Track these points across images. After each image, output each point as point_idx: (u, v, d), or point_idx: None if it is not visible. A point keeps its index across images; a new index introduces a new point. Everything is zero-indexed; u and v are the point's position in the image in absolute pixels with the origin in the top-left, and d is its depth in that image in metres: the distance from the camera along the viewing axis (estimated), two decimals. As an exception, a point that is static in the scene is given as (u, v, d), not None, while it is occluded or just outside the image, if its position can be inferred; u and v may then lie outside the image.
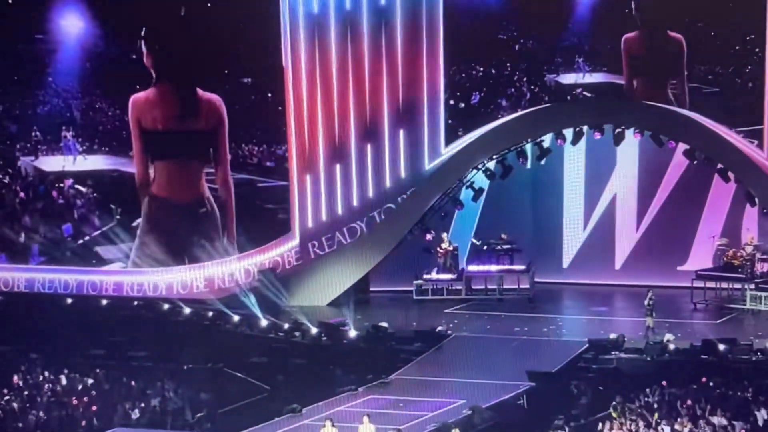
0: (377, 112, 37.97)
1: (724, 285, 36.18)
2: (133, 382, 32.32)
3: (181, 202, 39.82)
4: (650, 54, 40.72)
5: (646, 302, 33.39)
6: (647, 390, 28.93)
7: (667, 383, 29.26)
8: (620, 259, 38.91)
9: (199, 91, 39.86)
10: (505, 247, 38.27)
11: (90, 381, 32.41)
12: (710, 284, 36.16)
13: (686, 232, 37.89)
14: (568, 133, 36.82)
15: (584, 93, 44.92)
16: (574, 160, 38.81)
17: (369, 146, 38.23)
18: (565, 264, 39.35)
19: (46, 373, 32.92)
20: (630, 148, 37.82)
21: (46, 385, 32.18)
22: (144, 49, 39.69)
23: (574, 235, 39.26)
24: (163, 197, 39.95)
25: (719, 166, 35.84)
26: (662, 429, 27.11)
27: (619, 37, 41.44)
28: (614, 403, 27.62)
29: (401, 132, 38.15)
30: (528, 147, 37.21)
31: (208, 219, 39.92)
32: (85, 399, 31.16)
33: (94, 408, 30.71)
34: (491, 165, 37.24)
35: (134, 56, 40.74)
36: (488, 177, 37.37)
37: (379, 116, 37.99)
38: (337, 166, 38.34)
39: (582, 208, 39.10)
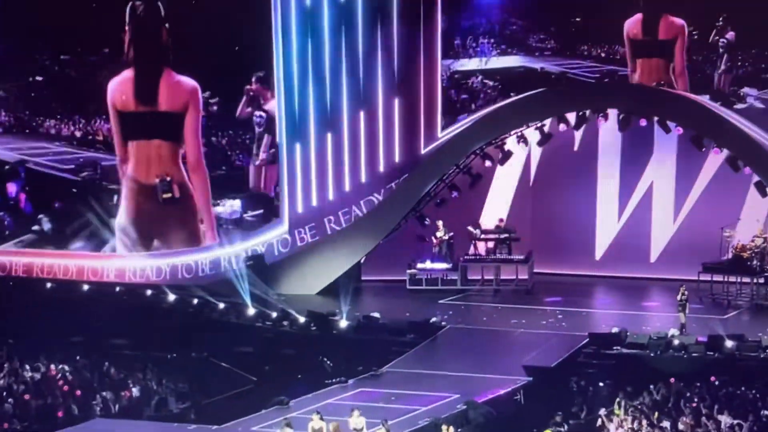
0: (371, 83, 37.70)
1: (732, 279, 35.76)
2: (114, 371, 32.05)
3: (149, 183, 39.64)
4: (651, 37, 40.65)
5: (678, 297, 32.75)
6: (651, 387, 28.72)
7: (670, 380, 29.08)
8: (656, 252, 38.37)
9: (171, 74, 39.45)
10: (502, 236, 38.06)
11: (69, 369, 32.15)
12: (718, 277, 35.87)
13: (726, 223, 36.46)
14: (571, 117, 36.76)
15: (485, 81, 44.20)
16: (609, 146, 38.24)
17: (362, 115, 37.90)
18: (598, 256, 38.88)
19: (24, 361, 32.67)
20: (668, 135, 36.80)
21: (24, 373, 31.90)
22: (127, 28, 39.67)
23: (607, 226, 38.67)
24: (134, 178, 39.79)
25: (729, 154, 35.69)
26: (665, 427, 26.96)
27: (539, 16, 40.85)
28: (618, 399, 27.46)
29: (395, 105, 37.83)
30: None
31: (176, 203, 39.62)
32: (65, 388, 30.90)
33: (74, 397, 30.43)
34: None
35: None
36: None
37: (373, 88, 37.72)
38: (329, 136, 38.07)
39: (617, 198, 38.52)
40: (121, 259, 39.31)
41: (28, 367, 32.29)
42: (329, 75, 37.80)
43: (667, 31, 40.81)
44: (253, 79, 41.75)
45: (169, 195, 39.22)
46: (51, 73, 48.27)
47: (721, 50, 41.97)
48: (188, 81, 39.59)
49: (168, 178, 39.23)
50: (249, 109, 42.39)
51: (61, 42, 45.11)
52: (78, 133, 47.98)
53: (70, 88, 48.47)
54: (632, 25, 41.16)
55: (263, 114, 42.26)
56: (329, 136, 38.09)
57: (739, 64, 43.05)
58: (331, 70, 37.79)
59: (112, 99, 39.67)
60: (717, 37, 41.86)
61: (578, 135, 37.96)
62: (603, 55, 45.97)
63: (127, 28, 39.52)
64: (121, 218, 39.91)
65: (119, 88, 39.57)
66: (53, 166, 44.36)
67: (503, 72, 43.89)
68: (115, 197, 40.82)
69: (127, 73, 39.56)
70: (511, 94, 39.77)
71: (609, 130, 37.37)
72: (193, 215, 39.77)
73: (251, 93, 42.36)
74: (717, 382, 29.20)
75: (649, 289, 37.57)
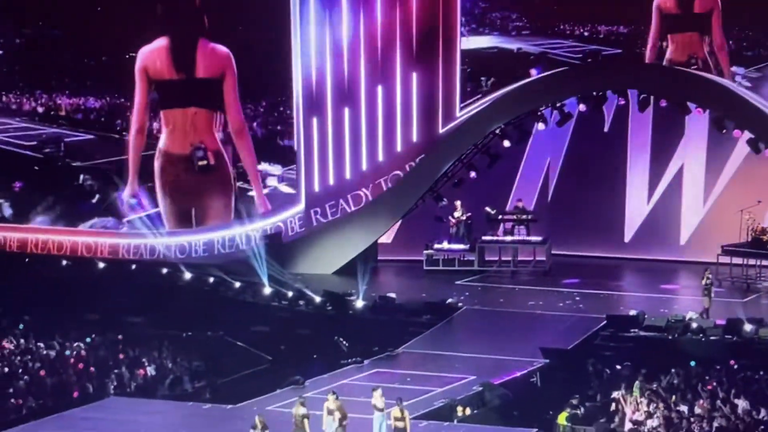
0: (389, 53, 37.61)
1: (752, 261, 35.60)
2: (129, 349, 32.19)
3: (183, 153, 39.74)
4: (686, 11, 40.24)
5: (703, 282, 32.68)
6: (672, 370, 28.62)
7: (688, 363, 29.06)
8: (686, 234, 38.19)
9: (205, 43, 39.63)
10: (521, 217, 38.07)
11: (84, 347, 32.28)
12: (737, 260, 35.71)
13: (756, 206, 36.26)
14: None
15: None
16: (640, 127, 38.03)
17: (380, 89, 37.91)
18: (627, 238, 38.77)
19: (39, 338, 32.81)
20: (699, 116, 36.64)
21: (39, 351, 32.06)
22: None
23: (637, 208, 38.52)
24: (167, 149, 39.86)
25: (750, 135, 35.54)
26: (681, 411, 26.97)
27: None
28: (638, 381, 27.47)
29: (413, 82, 37.78)
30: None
31: (212, 172, 39.71)
32: (80, 365, 31.03)
33: (89, 375, 30.55)
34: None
35: None
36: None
37: (392, 57, 37.63)
38: (346, 110, 38.01)
39: (647, 179, 38.37)
40: (115, 237, 39.34)
41: (43, 344, 32.43)
42: (347, 48, 37.72)
43: (703, 3, 40.30)
44: None
45: (205, 162, 39.24)
46: (12, 47, 47.83)
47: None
48: (222, 48, 39.69)
49: (203, 146, 39.19)
50: None
51: (24, 15, 44.63)
52: (40, 109, 47.39)
53: (33, 62, 48.03)
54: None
55: None
56: (346, 110, 38.08)
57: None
58: (349, 43, 37.71)
59: (143, 66, 39.63)
60: None
61: (608, 116, 37.80)
62: (586, 34, 44.98)
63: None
64: (158, 192, 39.99)
65: (153, 56, 39.58)
66: (14, 143, 44.05)
67: (473, 54, 42.53)
68: (81, 176, 40.53)
69: (161, 42, 39.57)
70: (481, 78, 39.44)
71: (639, 111, 37.07)
72: (229, 185, 39.91)
73: None
74: (736, 366, 29.13)
75: (678, 272, 37.36)
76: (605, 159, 38.44)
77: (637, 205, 38.61)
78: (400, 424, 24.63)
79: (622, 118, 37.97)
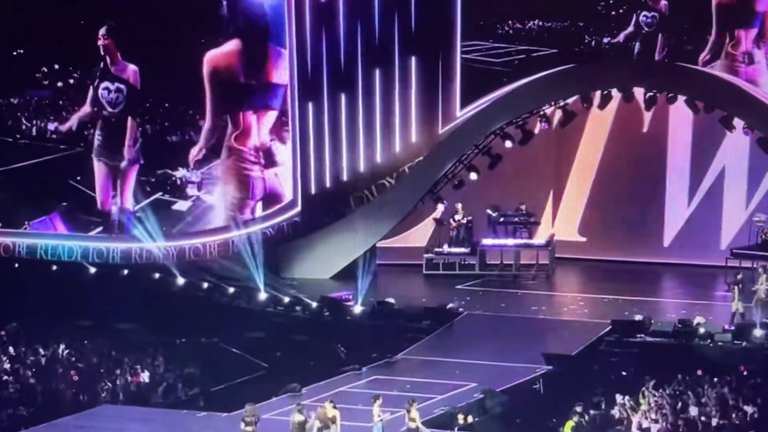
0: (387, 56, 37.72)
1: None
2: (121, 356, 32.11)
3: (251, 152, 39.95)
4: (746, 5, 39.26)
5: (735, 286, 32.25)
6: (678, 376, 28.53)
7: (696, 369, 29.03)
8: (726, 238, 37.78)
9: (274, 48, 39.64)
10: (522, 219, 38.06)
11: (76, 353, 32.21)
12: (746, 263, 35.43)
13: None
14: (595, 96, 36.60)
15: None
16: (680, 126, 37.70)
17: (378, 89, 37.99)
18: (666, 242, 38.56)
19: (30, 344, 32.80)
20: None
21: (29, 357, 32.00)
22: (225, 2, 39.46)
23: (677, 211, 38.18)
24: (237, 147, 39.97)
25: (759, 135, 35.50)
26: (689, 418, 26.96)
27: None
28: (643, 389, 27.46)
29: (412, 74, 37.81)
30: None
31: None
32: (71, 372, 30.96)
33: (80, 382, 30.52)
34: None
35: None
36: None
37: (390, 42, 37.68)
38: (342, 96, 37.98)
39: (687, 181, 38.02)
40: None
41: (33, 351, 32.40)
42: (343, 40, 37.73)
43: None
44: (101, 32, 37.43)
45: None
46: None
47: (645, 29, 40.24)
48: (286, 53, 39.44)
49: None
50: (95, 84, 37.88)
51: None
52: None
53: None
54: None
55: (120, 86, 37.88)
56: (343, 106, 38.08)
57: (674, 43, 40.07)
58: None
59: (213, 69, 39.40)
60: (639, 11, 40.38)
61: (647, 116, 37.45)
62: (512, 32, 42.20)
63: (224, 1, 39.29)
64: (229, 191, 40.05)
65: (223, 59, 39.49)
66: None
67: None
68: None
69: (231, 46, 39.52)
70: None
71: (680, 110, 36.79)
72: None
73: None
74: (745, 372, 29.04)
75: (716, 278, 36.53)
76: (644, 160, 38.07)
77: (676, 208, 38.18)
78: (413, 425, 25.15)
79: (661, 118, 37.56)
